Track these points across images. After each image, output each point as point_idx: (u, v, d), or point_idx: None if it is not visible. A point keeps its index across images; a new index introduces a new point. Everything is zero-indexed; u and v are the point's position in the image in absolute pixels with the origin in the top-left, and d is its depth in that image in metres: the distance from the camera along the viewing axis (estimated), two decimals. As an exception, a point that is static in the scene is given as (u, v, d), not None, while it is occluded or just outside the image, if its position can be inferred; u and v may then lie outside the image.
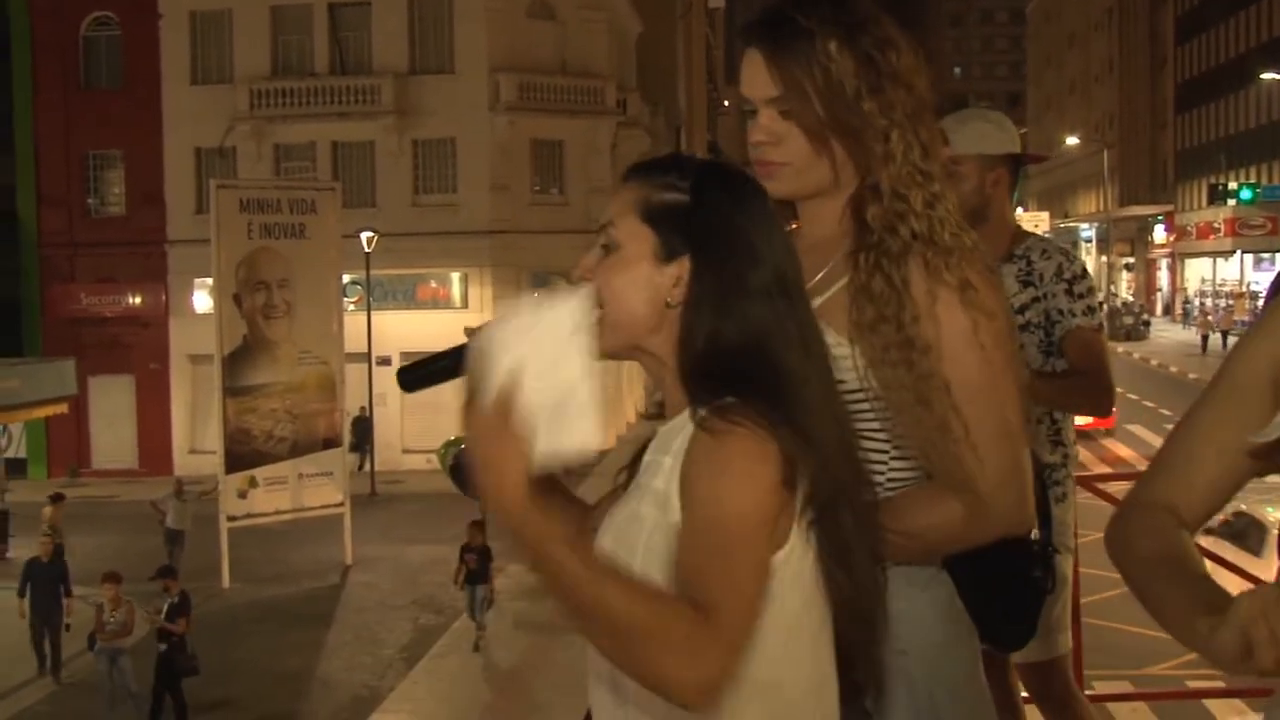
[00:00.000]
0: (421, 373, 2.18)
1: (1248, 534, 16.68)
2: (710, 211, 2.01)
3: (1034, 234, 4.55)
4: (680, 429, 1.94)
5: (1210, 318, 56.97)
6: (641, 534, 1.93)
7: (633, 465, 2.09)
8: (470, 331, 2.08)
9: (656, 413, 2.15)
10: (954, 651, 2.36)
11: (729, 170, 2.10)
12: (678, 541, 1.86)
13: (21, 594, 19.14)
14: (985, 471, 2.20)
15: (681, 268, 1.99)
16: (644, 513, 1.94)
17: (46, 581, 19.27)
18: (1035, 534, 2.44)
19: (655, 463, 1.97)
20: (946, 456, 2.20)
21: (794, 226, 2.41)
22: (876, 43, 2.30)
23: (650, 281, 2.01)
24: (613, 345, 2.03)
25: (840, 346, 2.23)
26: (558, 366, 1.82)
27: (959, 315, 2.21)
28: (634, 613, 1.75)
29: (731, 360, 1.94)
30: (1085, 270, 4.45)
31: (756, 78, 2.32)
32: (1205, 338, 54.40)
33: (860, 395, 2.23)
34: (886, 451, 2.28)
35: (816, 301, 2.21)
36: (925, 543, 2.24)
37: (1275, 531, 16.19)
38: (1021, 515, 2.26)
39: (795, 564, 1.91)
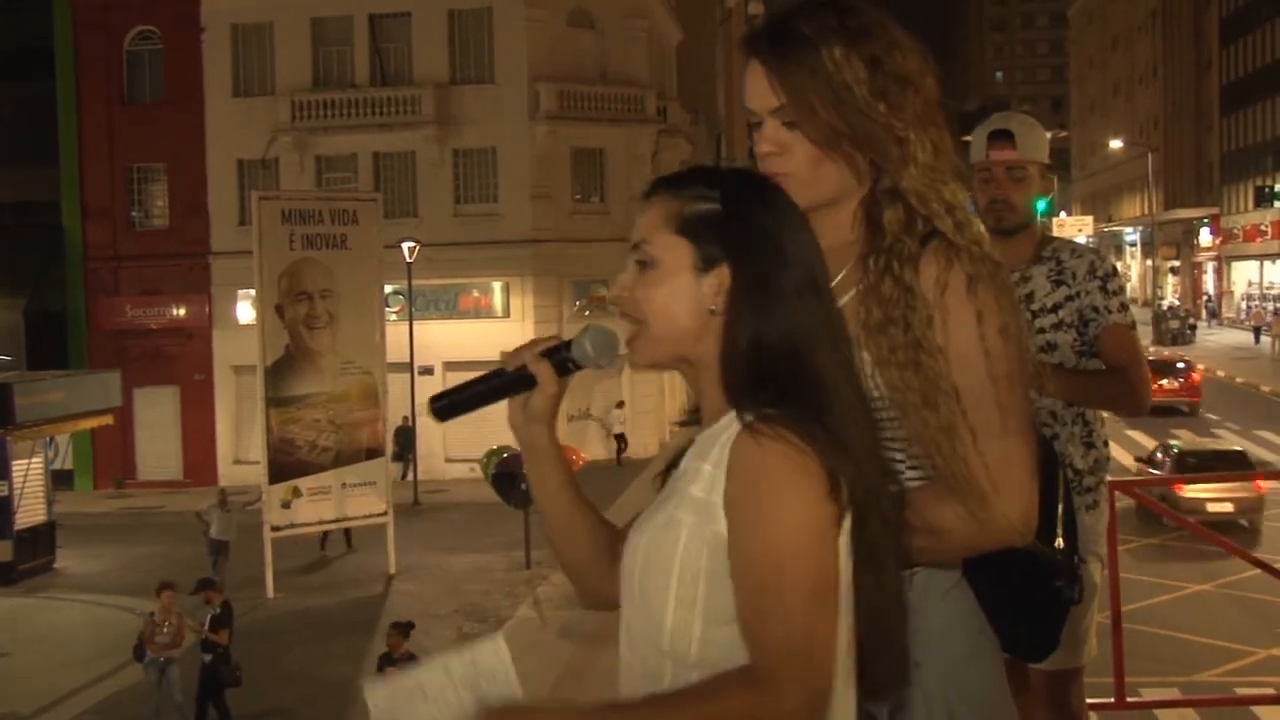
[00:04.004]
0: (454, 400, 2.22)
1: None
2: (743, 218, 2.05)
3: (1059, 237, 4.57)
4: (720, 435, 1.98)
5: (1266, 316, 58.02)
6: (679, 540, 1.96)
7: (667, 472, 2.13)
8: (505, 355, 2.17)
9: (690, 420, 2.18)
10: (975, 665, 2.31)
11: (755, 177, 2.16)
12: (735, 564, 1.91)
13: None
14: (990, 475, 2.16)
15: (721, 275, 2.03)
16: (680, 518, 1.97)
17: None
18: (1060, 543, 2.38)
19: (694, 469, 1.99)
20: (952, 460, 2.16)
21: None
22: (883, 46, 2.27)
23: (692, 292, 2.04)
24: (656, 357, 2.09)
25: None
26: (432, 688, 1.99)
27: (966, 308, 2.19)
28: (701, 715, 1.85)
29: (772, 363, 1.98)
30: (1116, 269, 4.48)
31: (759, 89, 2.30)
32: (1258, 330, 56.32)
33: (872, 401, 2.20)
34: (900, 459, 2.24)
35: None
36: (925, 545, 2.19)
37: None
38: (1025, 522, 2.20)
39: (842, 569, 1.95)
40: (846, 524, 1.94)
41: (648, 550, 1.99)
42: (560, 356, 2.16)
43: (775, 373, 1.97)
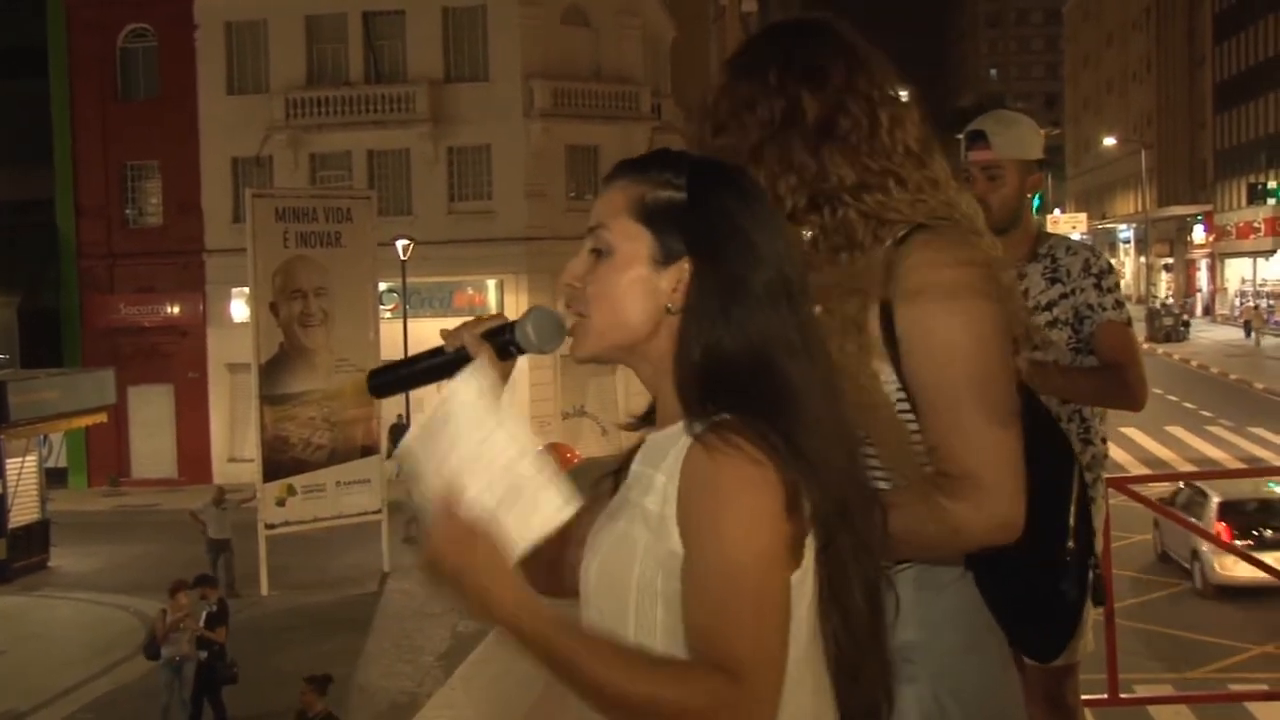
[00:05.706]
0: (391, 377, 2.07)
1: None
2: (710, 210, 1.89)
3: (1056, 234, 4.58)
4: (673, 442, 1.82)
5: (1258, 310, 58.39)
6: (635, 558, 1.82)
7: (618, 473, 2.00)
8: (445, 333, 2.01)
9: (643, 421, 2.03)
10: (972, 659, 2.26)
11: (726, 166, 2.00)
12: (687, 580, 1.77)
13: None
14: (964, 477, 2.12)
15: (681, 271, 1.88)
16: (635, 534, 1.83)
17: None
18: (1070, 544, 2.35)
19: (645, 476, 1.86)
20: (911, 465, 2.14)
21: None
22: (781, 54, 2.33)
23: (648, 286, 1.89)
24: (598, 351, 1.95)
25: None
26: (488, 455, 1.79)
27: (935, 306, 2.15)
28: (660, 695, 1.68)
29: (730, 372, 1.83)
30: (1111, 266, 4.49)
31: None
32: (1248, 324, 57.08)
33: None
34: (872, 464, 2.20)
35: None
36: (900, 545, 2.13)
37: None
38: (1002, 524, 2.13)
39: (807, 588, 1.83)
40: (810, 543, 1.80)
41: (601, 571, 1.87)
42: (502, 339, 1.97)
43: (734, 380, 1.81)
